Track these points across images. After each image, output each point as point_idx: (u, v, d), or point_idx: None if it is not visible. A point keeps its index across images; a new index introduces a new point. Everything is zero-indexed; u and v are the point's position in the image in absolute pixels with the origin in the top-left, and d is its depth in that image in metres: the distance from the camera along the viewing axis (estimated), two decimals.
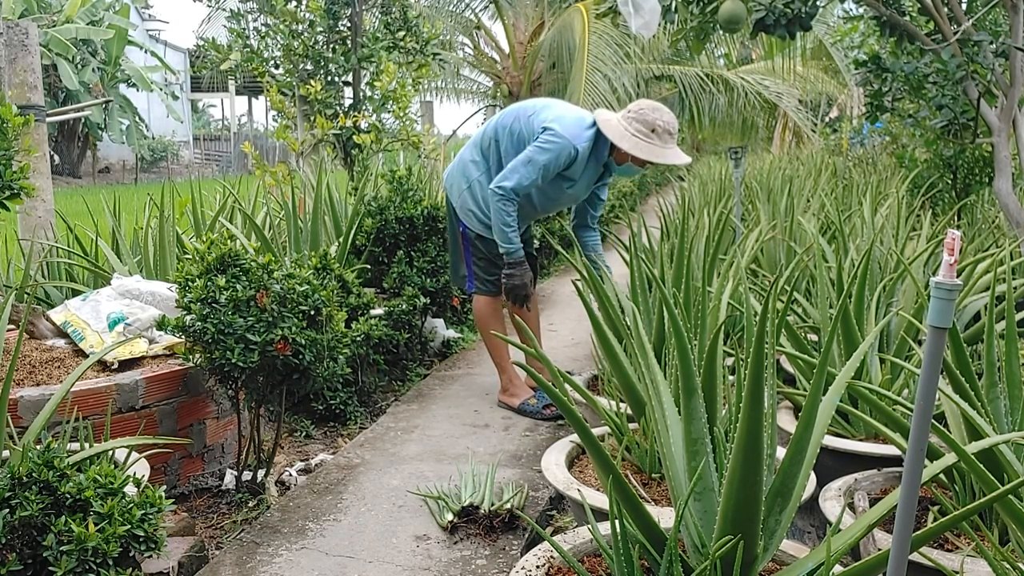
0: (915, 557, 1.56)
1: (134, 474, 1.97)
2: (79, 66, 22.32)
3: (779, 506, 1.61)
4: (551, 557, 1.84)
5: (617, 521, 1.60)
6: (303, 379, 2.67)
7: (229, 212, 4.74)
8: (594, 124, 3.36)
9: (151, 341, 2.94)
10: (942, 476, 1.99)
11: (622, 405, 2.65)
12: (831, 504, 2.06)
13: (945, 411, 2.04)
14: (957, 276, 1.10)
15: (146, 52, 25.39)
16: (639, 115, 3.25)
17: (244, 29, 5.94)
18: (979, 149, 4.61)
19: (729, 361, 2.47)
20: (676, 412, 1.77)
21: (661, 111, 3.27)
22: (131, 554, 1.82)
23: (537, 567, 1.79)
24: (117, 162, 26.09)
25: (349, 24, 5.83)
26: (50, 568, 1.71)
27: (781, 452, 1.79)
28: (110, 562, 1.74)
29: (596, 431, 2.50)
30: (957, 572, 1.63)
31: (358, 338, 3.17)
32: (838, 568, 1.55)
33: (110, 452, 2.21)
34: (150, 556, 1.89)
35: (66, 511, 1.77)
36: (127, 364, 2.82)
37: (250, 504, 2.76)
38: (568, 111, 3.44)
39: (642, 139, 3.23)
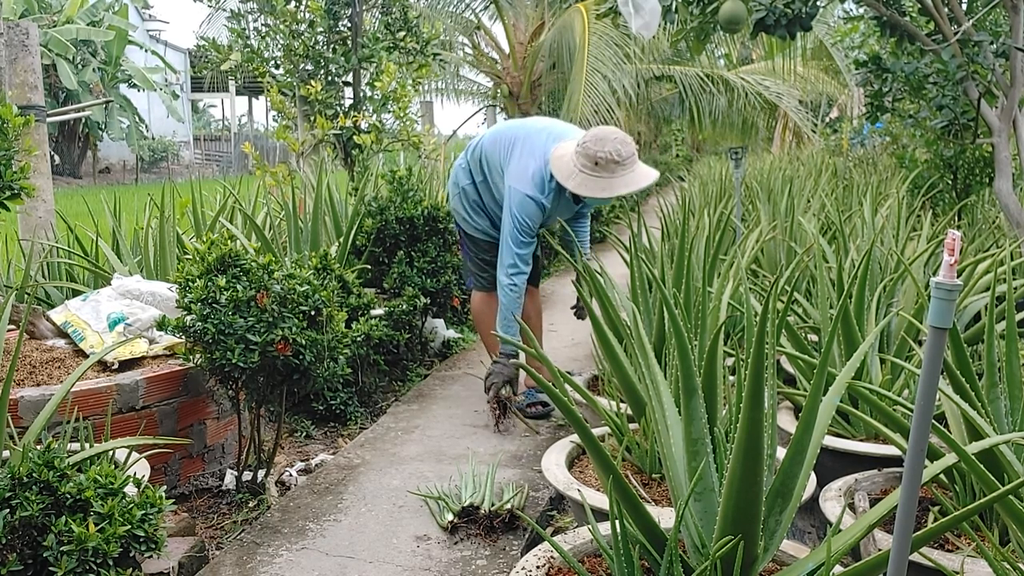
0: (915, 557, 1.56)
1: (134, 474, 1.97)
2: (79, 66, 22.33)
3: (779, 506, 1.61)
4: (551, 557, 1.84)
5: (617, 521, 1.60)
6: (303, 379, 2.67)
7: (229, 212, 4.74)
8: None
9: (151, 341, 2.94)
10: (942, 476, 1.99)
11: (622, 405, 2.65)
12: (831, 504, 2.06)
13: (945, 411, 2.04)
14: (957, 276, 1.10)
15: (147, 52, 25.39)
16: (583, 149, 3.08)
17: (244, 29, 5.94)
18: (979, 149, 4.61)
19: (729, 361, 2.46)
20: (676, 412, 1.77)
21: (604, 140, 3.06)
22: (131, 554, 1.82)
23: (537, 567, 1.79)
24: (117, 162, 26.08)
25: (349, 24, 5.83)
26: (50, 568, 1.71)
27: (781, 452, 1.79)
28: (110, 562, 1.74)
29: (596, 431, 2.50)
30: (957, 572, 1.63)
31: (358, 338, 3.17)
32: (838, 568, 1.55)
33: (110, 452, 2.21)
34: (150, 556, 1.89)
35: (66, 511, 1.77)
36: (127, 364, 2.82)
37: (250, 504, 2.76)
38: (530, 158, 3.29)
39: (587, 174, 3.07)
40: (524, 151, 3.33)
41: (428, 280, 4.22)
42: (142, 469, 2.28)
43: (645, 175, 3.12)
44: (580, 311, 3.92)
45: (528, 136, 3.39)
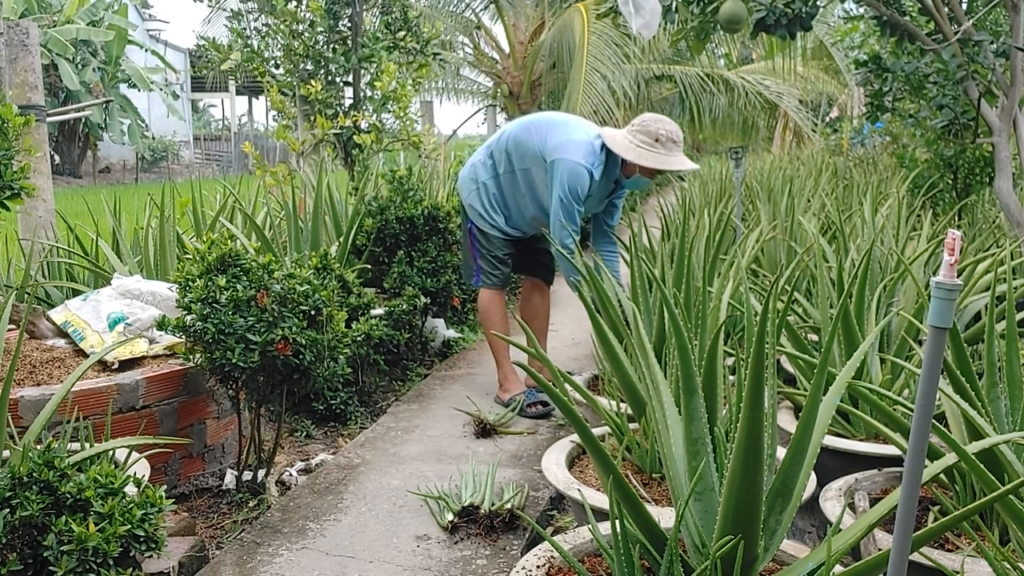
0: (916, 557, 1.56)
1: (134, 474, 1.97)
2: (79, 66, 22.31)
3: (779, 506, 1.61)
4: (551, 557, 1.84)
5: (617, 521, 1.60)
6: (303, 379, 2.67)
7: (229, 212, 4.74)
8: (602, 144, 3.43)
9: (151, 341, 2.94)
10: (942, 476, 1.99)
11: (622, 405, 2.65)
12: (831, 504, 2.06)
13: (945, 411, 2.04)
14: (957, 276, 1.10)
15: (147, 52, 25.39)
16: (642, 127, 3.35)
17: (244, 29, 5.94)
18: (980, 149, 4.61)
19: (729, 361, 2.47)
20: (676, 412, 1.77)
21: (663, 122, 3.37)
22: (131, 554, 1.82)
23: (537, 567, 1.79)
24: (118, 162, 26.07)
25: (349, 24, 5.83)
26: (50, 568, 1.71)
27: (781, 452, 1.79)
28: (110, 562, 1.74)
29: (596, 431, 2.50)
30: (957, 572, 1.63)
31: (358, 338, 3.17)
32: (839, 568, 1.55)
33: (110, 452, 2.21)
34: (150, 556, 1.89)
35: (66, 511, 1.77)
36: (127, 364, 2.81)
37: (250, 504, 2.76)
38: (576, 133, 3.50)
39: (647, 149, 3.33)
40: (567, 129, 3.52)
41: (428, 280, 4.22)
42: (142, 469, 2.28)
43: (691, 162, 3.44)
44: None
45: (566, 121, 3.63)
